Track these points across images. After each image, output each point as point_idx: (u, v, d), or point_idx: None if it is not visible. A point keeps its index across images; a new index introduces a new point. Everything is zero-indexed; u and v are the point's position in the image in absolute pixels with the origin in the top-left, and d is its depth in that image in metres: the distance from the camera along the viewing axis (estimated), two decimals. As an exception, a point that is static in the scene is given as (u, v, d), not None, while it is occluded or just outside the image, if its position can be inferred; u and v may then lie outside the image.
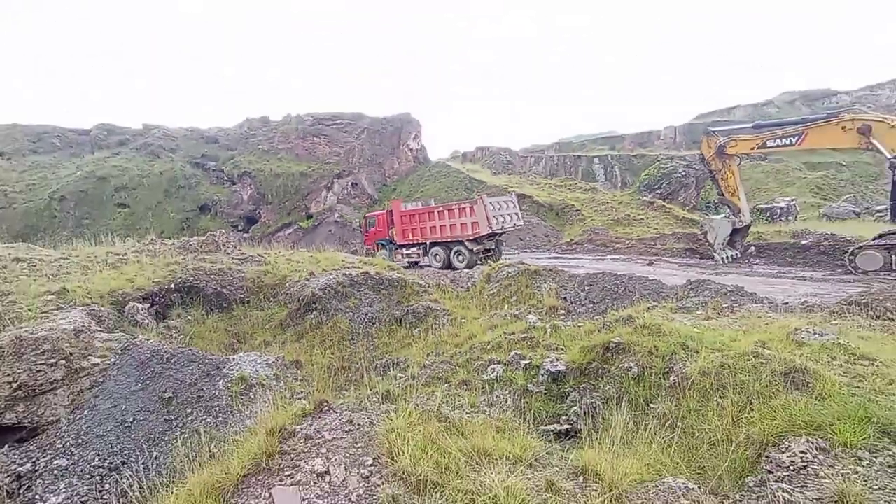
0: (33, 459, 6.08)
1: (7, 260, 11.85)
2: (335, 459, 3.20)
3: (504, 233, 20.94)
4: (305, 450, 3.45)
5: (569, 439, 4.89)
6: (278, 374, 8.74)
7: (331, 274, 12.42)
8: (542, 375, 6.15)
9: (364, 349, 9.75)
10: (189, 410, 7.31)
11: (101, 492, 6.11)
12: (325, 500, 2.87)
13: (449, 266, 19.81)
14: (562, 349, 6.99)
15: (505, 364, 6.54)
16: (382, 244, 22.59)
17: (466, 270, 17.63)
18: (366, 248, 23.91)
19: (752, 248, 18.16)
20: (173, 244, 14.72)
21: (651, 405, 4.88)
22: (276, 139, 41.63)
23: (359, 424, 3.78)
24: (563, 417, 5.55)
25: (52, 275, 11.29)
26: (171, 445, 6.70)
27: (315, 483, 3.01)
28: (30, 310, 9.05)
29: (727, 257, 17.29)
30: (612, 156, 44.45)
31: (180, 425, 7.07)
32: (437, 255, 20.51)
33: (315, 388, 8.11)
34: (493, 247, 20.86)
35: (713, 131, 17.86)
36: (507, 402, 5.59)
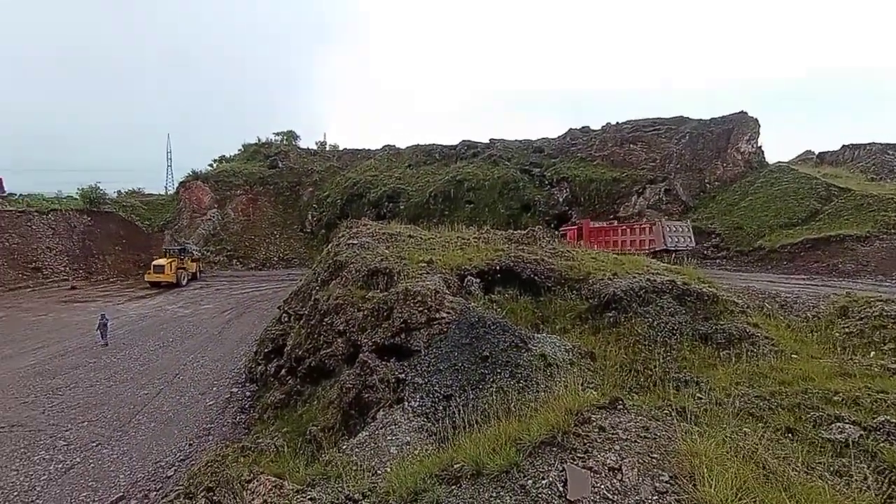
0: (405, 372, 8.19)
1: (404, 236, 16.38)
2: (629, 461, 2.95)
3: (677, 251, 21.81)
4: (598, 440, 3.32)
5: None
6: (573, 361, 8.84)
7: (634, 277, 11.63)
8: (945, 467, 3.97)
9: (660, 358, 8.72)
10: (499, 370, 8.27)
11: (436, 410, 7.72)
12: (616, 498, 2.69)
13: None
14: None
15: (865, 429, 4.56)
16: None
17: (804, 298, 13.50)
18: None
19: None
20: (501, 235, 16.99)
21: None
22: (594, 147, 42.01)
23: (655, 434, 3.36)
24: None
25: (425, 249, 14.82)
26: (483, 393, 7.82)
27: (606, 476, 2.86)
28: (412, 271, 12.24)
29: None
30: None
31: (491, 380, 8.08)
32: None
33: (605, 381, 7.84)
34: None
35: None
36: (866, 479, 3.88)
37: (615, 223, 27.46)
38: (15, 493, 9.48)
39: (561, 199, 38.70)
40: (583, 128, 46.91)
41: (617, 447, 3.17)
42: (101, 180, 41.42)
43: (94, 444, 11.47)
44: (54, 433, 11.94)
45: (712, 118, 38.62)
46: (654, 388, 6.45)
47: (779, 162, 37.69)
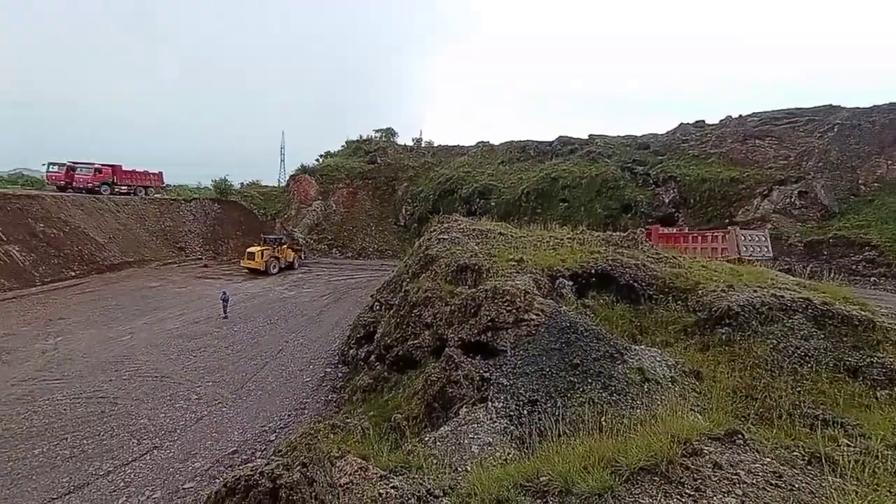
0: (490, 371, 8.09)
1: (495, 233, 16.22)
2: (756, 512, 2.51)
3: (753, 261, 20.64)
4: (713, 478, 2.88)
5: None
6: (675, 378, 8.03)
7: (754, 291, 10.19)
8: None
9: (787, 388, 7.50)
10: (590, 381, 7.78)
11: (521, 414, 7.50)
12: (740, 554, 2.29)
13: None
14: None
15: None
16: None
17: None
18: None
19: None
20: (598, 236, 16.01)
21: None
22: (708, 144, 37.83)
23: (792, 485, 2.81)
24: None
25: (516, 247, 14.51)
26: (572, 402, 7.42)
27: (725, 524, 2.46)
28: (502, 269, 12.06)
29: None
30: None
31: (581, 390, 7.63)
32: None
33: (714, 406, 6.99)
34: None
35: None
36: None
37: (685, 229, 27.01)
38: (163, 433, 11.60)
39: (667, 200, 35.50)
40: (696, 122, 42.50)
41: (739, 492, 2.69)
42: (228, 174, 47.65)
43: (217, 402, 13.24)
44: (190, 387, 14.11)
45: (874, 105, 32.44)
46: (779, 422, 5.53)
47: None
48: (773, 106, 38.12)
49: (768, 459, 3.18)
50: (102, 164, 38.77)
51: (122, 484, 9.62)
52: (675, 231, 26.51)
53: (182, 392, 13.79)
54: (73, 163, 38.12)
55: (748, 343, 9.07)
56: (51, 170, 37.91)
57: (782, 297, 9.79)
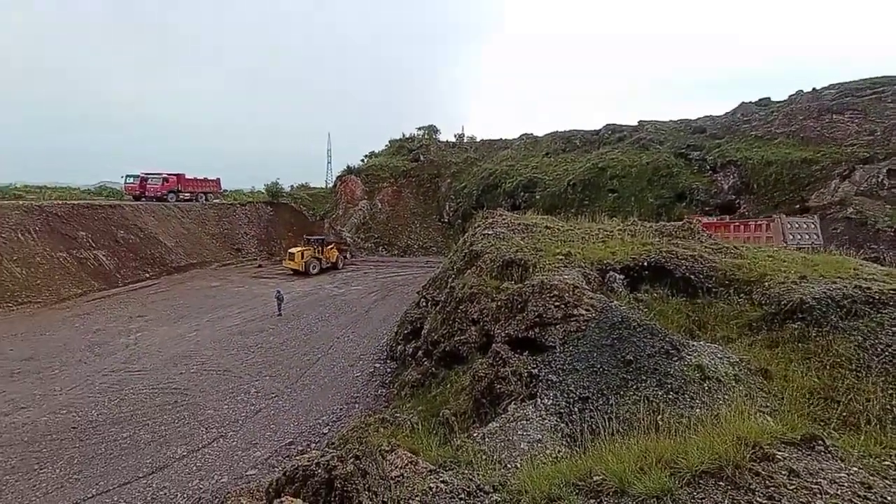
0: (539, 368, 7.93)
1: (541, 227, 15.89)
2: (841, 525, 2.26)
3: (802, 248, 19.82)
4: (789, 486, 2.63)
5: None
6: (739, 377, 7.52)
7: (833, 282, 9.30)
8: None
9: (877, 390, 6.77)
10: (644, 378, 7.46)
11: (571, 411, 7.30)
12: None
13: None
14: None
15: None
16: None
17: None
18: None
19: None
20: (651, 227, 15.25)
21: None
22: (775, 123, 34.94)
23: (883, 498, 2.52)
24: None
25: (563, 241, 14.14)
26: (625, 400, 7.13)
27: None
28: (549, 263, 11.78)
29: None
30: None
31: (634, 388, 7.34)
32: None
33: (788, 408, 6.48)
34: None
35: None
36: None
37: (726, 218, 26.95)
38: (227, 423, 12.47)
39: (726, 187, 33.22)
40: (760, 100, 39.41)
41: (820, 503, 2.44)
42: (279, 177, 49.79)
43: (273, 396, 13.94)
44: (248, 381, 14.98)
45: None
46: (868, 428, 4.99)
47: None
48: (854, 76, 34.12)
49: (855, 469, 2.85)
50: (168, 174, 41.85)
51: (195, 468, 10.43)
52: (715, 220, 25.81)
53: (242, 385, 14.67)
54: (145, 174, 41.45)
55: (826, 340, 8.29)
56: (127, 181, 41.47)
57: (868, 288, 8.87)
